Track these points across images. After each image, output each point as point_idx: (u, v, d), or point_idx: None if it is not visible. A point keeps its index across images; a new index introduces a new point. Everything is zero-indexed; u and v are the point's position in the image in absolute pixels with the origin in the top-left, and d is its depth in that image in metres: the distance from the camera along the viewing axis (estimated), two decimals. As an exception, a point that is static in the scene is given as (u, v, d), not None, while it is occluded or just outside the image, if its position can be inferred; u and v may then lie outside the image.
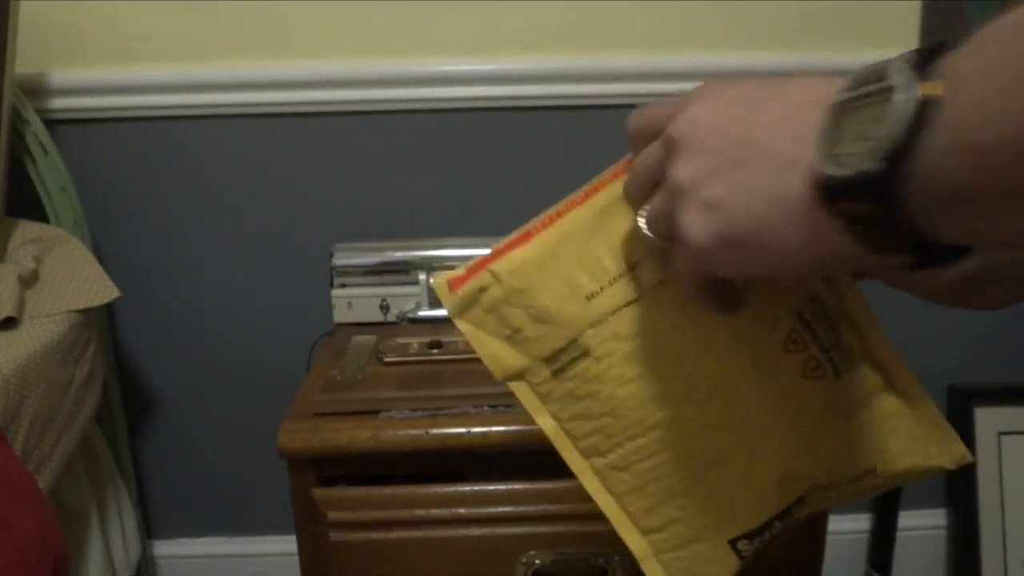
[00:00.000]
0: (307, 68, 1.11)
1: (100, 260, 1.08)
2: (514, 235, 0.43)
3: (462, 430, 0.81)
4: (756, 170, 0.30)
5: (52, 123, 1.10)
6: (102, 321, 1.16)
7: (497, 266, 0.42)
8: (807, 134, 0.29)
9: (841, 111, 0.28)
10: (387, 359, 0.93)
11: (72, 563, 0.89)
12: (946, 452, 0.41)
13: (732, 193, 0.31)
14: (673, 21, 1.12)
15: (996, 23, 0.24)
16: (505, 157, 1.16)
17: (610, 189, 0.42)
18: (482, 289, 0.42)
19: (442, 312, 1.03)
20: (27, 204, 1.08)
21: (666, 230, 0.35)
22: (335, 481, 0.82)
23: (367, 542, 0.80)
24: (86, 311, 1.00)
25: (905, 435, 0.41)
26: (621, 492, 0.43)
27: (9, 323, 0.92)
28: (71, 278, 1.01)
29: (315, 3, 1.09)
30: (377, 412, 0.83)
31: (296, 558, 0.84)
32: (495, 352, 0.43)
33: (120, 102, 1.12)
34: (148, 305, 1.21)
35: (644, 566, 0.43)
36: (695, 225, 0.32)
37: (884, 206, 0.26)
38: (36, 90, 1.09)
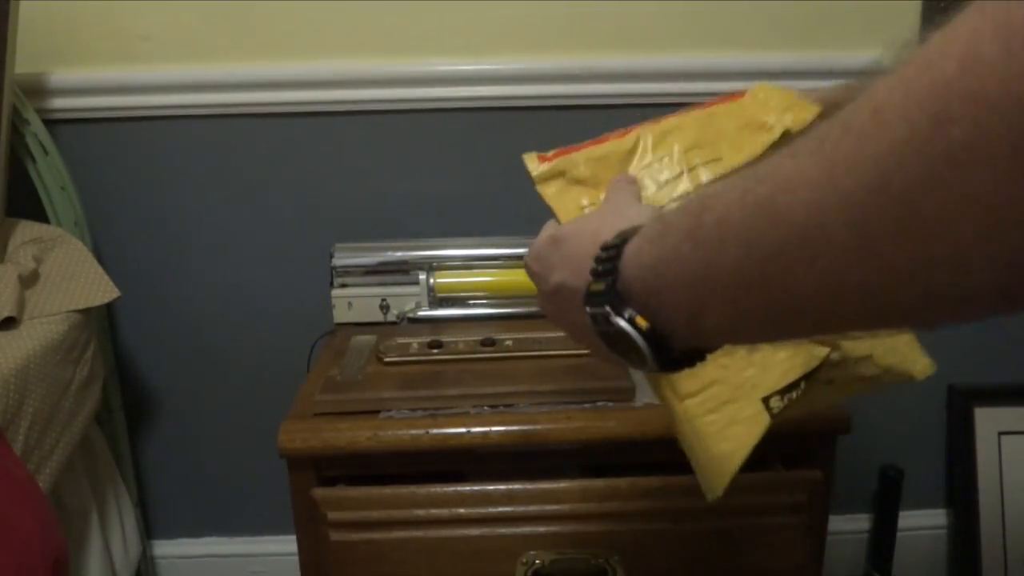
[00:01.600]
0: (307, 68, 1.11)
1: (100, 260, 1.08)
2: (596, 139, 0.56)
3: (462, 430, 0.81)
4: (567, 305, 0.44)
5: (52, 123, 1.10)
6: (102, 321, 1.16)
7: (579, 155, 0.54)
8: (585, 321, 0.40)
9: (598, 326, 0.38)
10: (387, 359, 0.93)
11: (72, 563, 0.89)
12: (917, 361, 0.52)
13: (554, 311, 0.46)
14: (672, 21, 1.12)
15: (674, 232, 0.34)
16: (505, 157, 1.16)
17: (674, 122, 0.54)
18: (565, 168, 0.54)
19: (442, 312, 1.03)
20: (27, 204, 1.08)
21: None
22: (335, 481, 0.82)
23: (367, 542, 0.80)
24: (86, 311, 1.00)
25: (895, 337, 0.51)
26: None
27: (9, 323, 0.91)
28: (71, 278, 1.01)
29: (315, 3, 1.09)
30: (377, 412, 0.83)
31: (296, 558, 0.84)
32: (566, 217, 0.53)
33: (120, 102, 1.12)
34: (148, 305, 1.21)
35: (679, 429, 0.49)
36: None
37: (660, 353, 0.37)
38: (36, 90, 1.09)
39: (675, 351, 0.37)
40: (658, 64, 1.12)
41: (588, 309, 0.39)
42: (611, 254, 0.38)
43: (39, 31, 1.07)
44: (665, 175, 0.53)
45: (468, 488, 0.80)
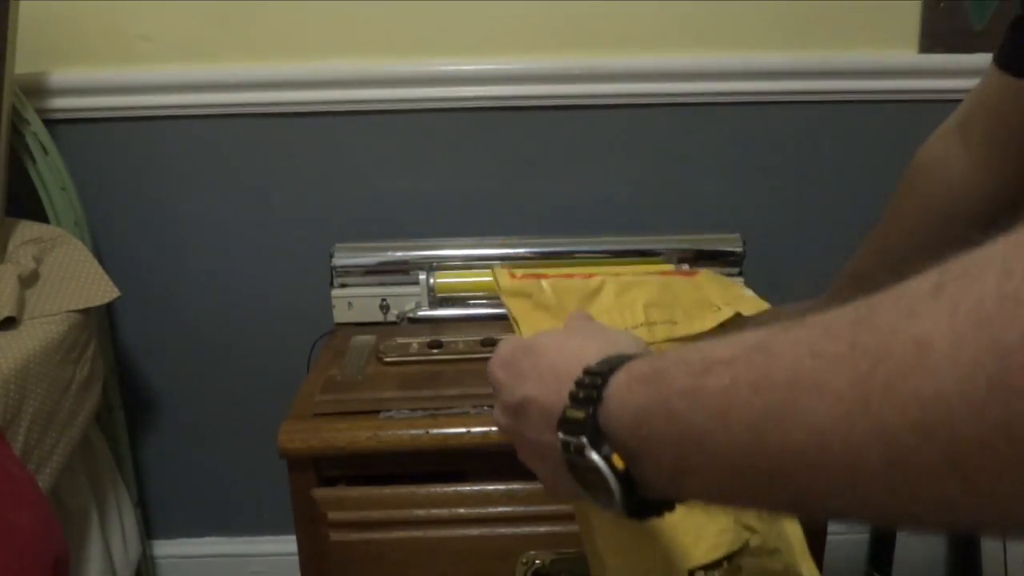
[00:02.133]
0: (307, 68, 1.11)
1: (100, 260, 1.08)
2: (565, 272, 0.60)
3: (462, 430, 0.80)
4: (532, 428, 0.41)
5: (52, 123, 1.10)
6: (102, 321, 1.16)
7: (547, 283, 0.57)
8: (555, 449, 0.37)
9: (568, 455, 0.36)
10: (387, 359, 0.93)
11: (72, 563, 0.89)
12: (809, 566, 0.53)
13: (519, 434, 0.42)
14: (673, 21, 1.12)
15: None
16: (505, 157, 1.17)
17: (638, 279, 0.58)
18: (533, 292, 0.56)
19: (442, 312, 1.03)
20: (27, 204, 1.08)
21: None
22: (335, 481, 0.82)
23: (367, 542, 0.80)
24: (86, 311, 1.00)
25: (797, 537, 0.53)
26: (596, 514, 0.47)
27: (9, 323, 0.92)
28: (71, 278, 1.01)
29: (316, 3, 1.09)
30: (377, 412, 0.83)
31: (296, 558, 0.84)
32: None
33: (120, 102, 1.12)
34: (148, 305, 1.21)
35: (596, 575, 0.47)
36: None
37: (630, 499, 0.34)
38: (36, 90, 1.09)
39: (647, 498, 0.34)
40: (658, 64, 1.12)
41: (561, 435, 0.36)
42: (595, 381, 0.35)
43: (39, 31, 1.07)
44: (626, 322, 0.55)
45: (468, 488, 0.80)
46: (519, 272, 0.58)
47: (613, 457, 0.33)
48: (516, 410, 0.41)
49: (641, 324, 0.55)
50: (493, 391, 0.45)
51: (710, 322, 0.54)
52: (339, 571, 0.81)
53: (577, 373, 0.36)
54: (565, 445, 0.35)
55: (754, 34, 1.12)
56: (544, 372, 0.40)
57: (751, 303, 0.57)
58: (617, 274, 0.60)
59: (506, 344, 0.46)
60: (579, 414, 0.35)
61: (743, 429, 0.27)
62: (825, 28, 1.12)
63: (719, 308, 0.57)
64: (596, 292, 0.58)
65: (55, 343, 0.93)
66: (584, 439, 0.34)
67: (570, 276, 0.59)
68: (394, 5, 1.09)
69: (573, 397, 0.36)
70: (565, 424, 0.36)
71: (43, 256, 1.02)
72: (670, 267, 0.64)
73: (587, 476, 0.35)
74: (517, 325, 0.54)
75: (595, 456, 0.34)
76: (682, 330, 0.54)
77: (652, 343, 0.53)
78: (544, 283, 0.57)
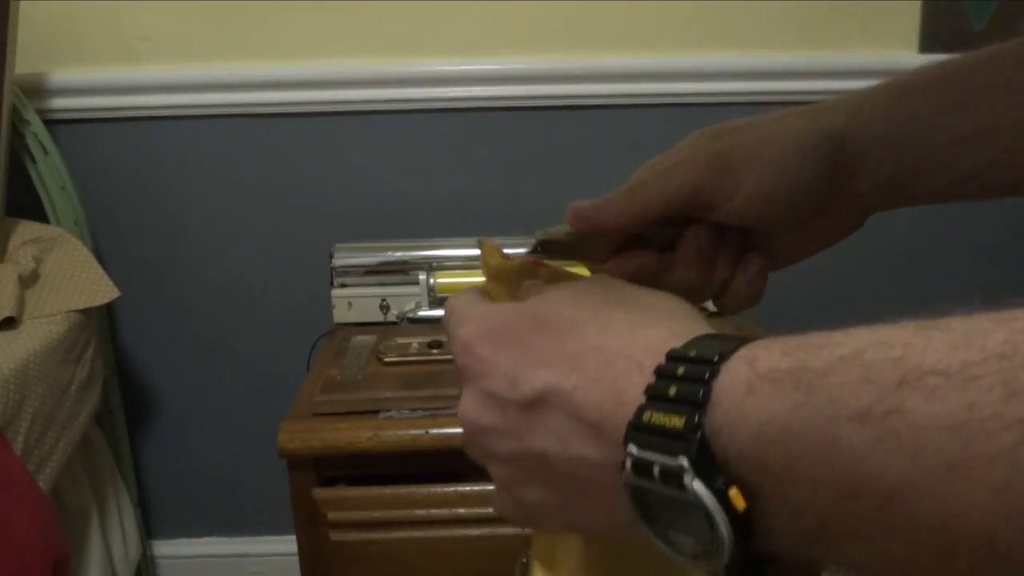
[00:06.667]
0: (307, 68, 1.11)
1: (100, 260, 1.08)
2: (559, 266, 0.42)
3: (462, 430, 0.80)
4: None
5: (52, 123, 1.10)
6: (102, 321, 1.16)
7: (544, 273, 0.41)
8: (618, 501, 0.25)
9: (643, 480, 0.24)
10: (387, 359, 0.93)
11: (72, 563, 0.89)
12: None
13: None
14: (673, 21, 1.12)
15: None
16: (505, 157, 1.17)
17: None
18: (524, 279, 0.41)
19: (442, 312, 1.03)
20: (27, 204, 1.08)
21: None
22: (335, 481, 0.82)
23: (367, 542, 0.80)
24: (86, 311, 1.00)
25: None
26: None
27: (9, 323, 0.92)
28: (71, 278, 1.01)
29: (314, 3, 1.09)
30: (377, 412, 0.83)
31: (296, 558, 0.84)
32: None
33: (120, 102, 1.12)
34: (148, 305, 1.21)
35: None
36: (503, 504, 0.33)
37: (741, 555, 0.23)
38: (36, 90, 1.09)
39: (754, 555, 0.23)
40: (658, 64, 1.12)
41: (634, 450, 0.23)
42: (698, 372, 0.23)
43: (39, 31, 1.07)
44: None
45: (468, 488, 0.80)
46: (514, 256, 0.43)
47: (731, 492, 0.22)
48: (519, 407, 0.28)
49: None
50: (459, 372, 0.31)
51: None
52: (339, 571, 0.81)
53: (648, 359, 0.25)
54: (641, 466, 0.23)
55: (754, 34, 1.12)
56: (581, 355, 0.27)
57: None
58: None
59: (483, 306, 0.32)
60: (674, 421, 0.23)
61: (991, 493, 0.17)
62: (825, 28, 1.12)
63: None
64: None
65: (55, 343, 0.93)
66: (684, 460, 0.22)
67: (564, 272, 0.42)
68: (394, 5, 1.10)
69: (656, 394, 0.24)
70: (644, 434, 0.23)
71: (43, 256, 1.02)
72: None
73: (668, 514, 0.23)
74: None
75: (701, 488, 0.22)
76: None
77: None
78: (540, 271, 0.41)
